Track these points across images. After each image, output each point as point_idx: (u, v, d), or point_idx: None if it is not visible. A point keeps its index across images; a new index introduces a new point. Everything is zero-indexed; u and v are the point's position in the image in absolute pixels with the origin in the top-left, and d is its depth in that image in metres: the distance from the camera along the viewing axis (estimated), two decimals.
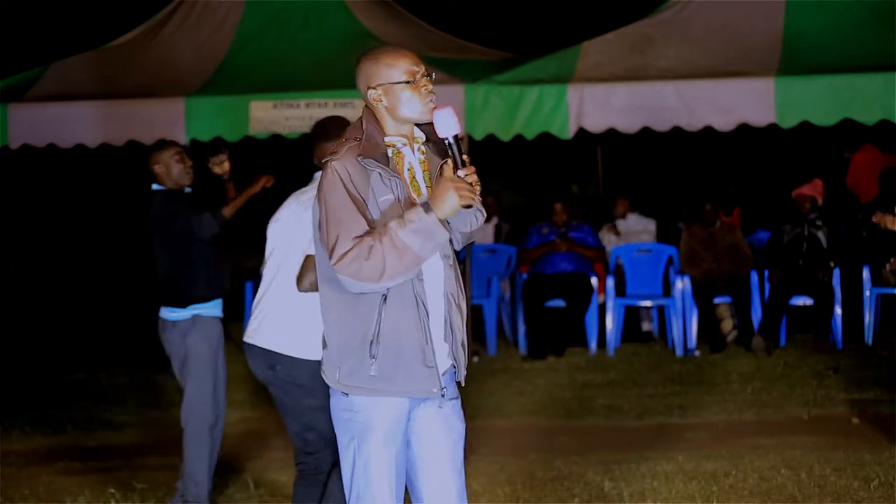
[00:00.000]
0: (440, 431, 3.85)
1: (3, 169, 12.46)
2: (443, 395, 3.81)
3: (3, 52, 14.01)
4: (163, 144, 6.42)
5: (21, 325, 12.41)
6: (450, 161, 3.70)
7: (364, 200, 3.71)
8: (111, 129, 9.89)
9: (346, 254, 3.65)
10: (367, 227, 3.68)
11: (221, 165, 6.79)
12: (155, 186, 6.33)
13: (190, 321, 6.19)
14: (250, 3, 10.69)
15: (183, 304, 6.20)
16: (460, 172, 3.67)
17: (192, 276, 6.23)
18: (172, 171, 6.29)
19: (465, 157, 3.68)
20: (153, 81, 10.19)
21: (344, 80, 9.64)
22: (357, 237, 3.66)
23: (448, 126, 3.70)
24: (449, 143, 3.69)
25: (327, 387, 3.86)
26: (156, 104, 9.86)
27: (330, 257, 3.68)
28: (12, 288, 13.45)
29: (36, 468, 7.45)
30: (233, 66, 10.31)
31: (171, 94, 9.90)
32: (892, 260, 6.89)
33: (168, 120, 9.72)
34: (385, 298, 3.72)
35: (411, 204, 3.74)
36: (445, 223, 3.69)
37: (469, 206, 3.69)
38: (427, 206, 3.66)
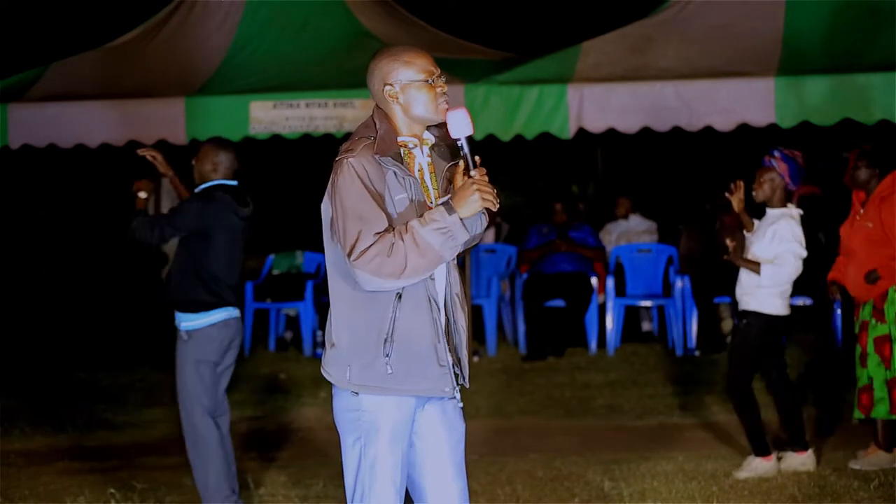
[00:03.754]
0: (442, 431, 3.86)
1: (3, 169, 12.46)
2: (454, 396, 3.83)
3: (3, 52, 14.01)
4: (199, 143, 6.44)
5: (22, 325, 12.41)
6: (461, 163, 3.74)
7: (381, 197, 3.72)
8: (111, 129, 9.87)
9: (366, 250, 3.65)
10: (387, 224, 3.69)
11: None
12: (208, 184, 6.21)
13: None
14: (250, 3, 10.69)
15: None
16: (472, 173, 3.70)
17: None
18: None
19: (476, 158, 3.71)
20: (153, 81, 10.18)
21: (344, 80, 9.72)
22: (378, 233, 3.67)
23: (461, 127, 3.74)
24: (461, 145, 3.73)
25: None
26: (156, 104, 9.85)
27: (349, 254, 3.66)
28: (13, 288, 13.45)
29: (36, 468, 7.45)
30: (233, 66, 10.30)
31: (171, 94, 9.89)
32: (730, 241, 7.01)
33: (168, 120, 9.71)
34: (400, 297, 3.73)
35: (424, 204, 3.76)
36: (469, 224, 3.71)
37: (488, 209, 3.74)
38: (449, 207, 3.68)
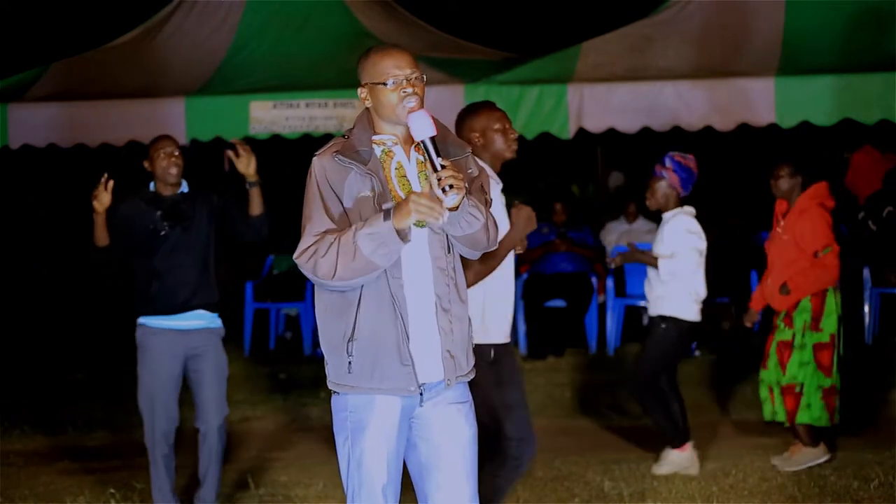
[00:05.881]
0: (448, 435, 3.84)
1: (3, 169, 12.46)
2: (421, 395, 3.80)
3: (3, 52, 14.01)
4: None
5: (21, 326, 12.40)
6: (428, 164, 3.69)
7: (339, 197, 3.75)
8: (111, 129, 9.88)
9: (306, 249, 3.75)
10: (332, 226, 3.73)
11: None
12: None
13: None
14: (250, 3, 10.70)
15: None
16: (433, 177, 3.64)
17: None
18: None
19: (440, 159, 3.66)
20: (153, 81, 10.19)
21: (344, 80, 9.69)
22: (319, 233, 3.72)
23: (422, 129, 3.68)
24: (424, 146, 3.68)
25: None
26: (156, 104, 9.85)
27: (295, 251, 3.78)
28: (12, 288, 13.45)
29: (36, 468, 7.45)
30: (233, 66, 10.31)
31: (171, 94, 9.90)
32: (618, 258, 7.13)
33: (168, 120, 9.71)
34: (361, 296, 3.75)
35: (391, 202, 3.74)
36: (406, 233, 3.67)
37: (423, 224, 3.70)
38: (388, 214, 3.66)
